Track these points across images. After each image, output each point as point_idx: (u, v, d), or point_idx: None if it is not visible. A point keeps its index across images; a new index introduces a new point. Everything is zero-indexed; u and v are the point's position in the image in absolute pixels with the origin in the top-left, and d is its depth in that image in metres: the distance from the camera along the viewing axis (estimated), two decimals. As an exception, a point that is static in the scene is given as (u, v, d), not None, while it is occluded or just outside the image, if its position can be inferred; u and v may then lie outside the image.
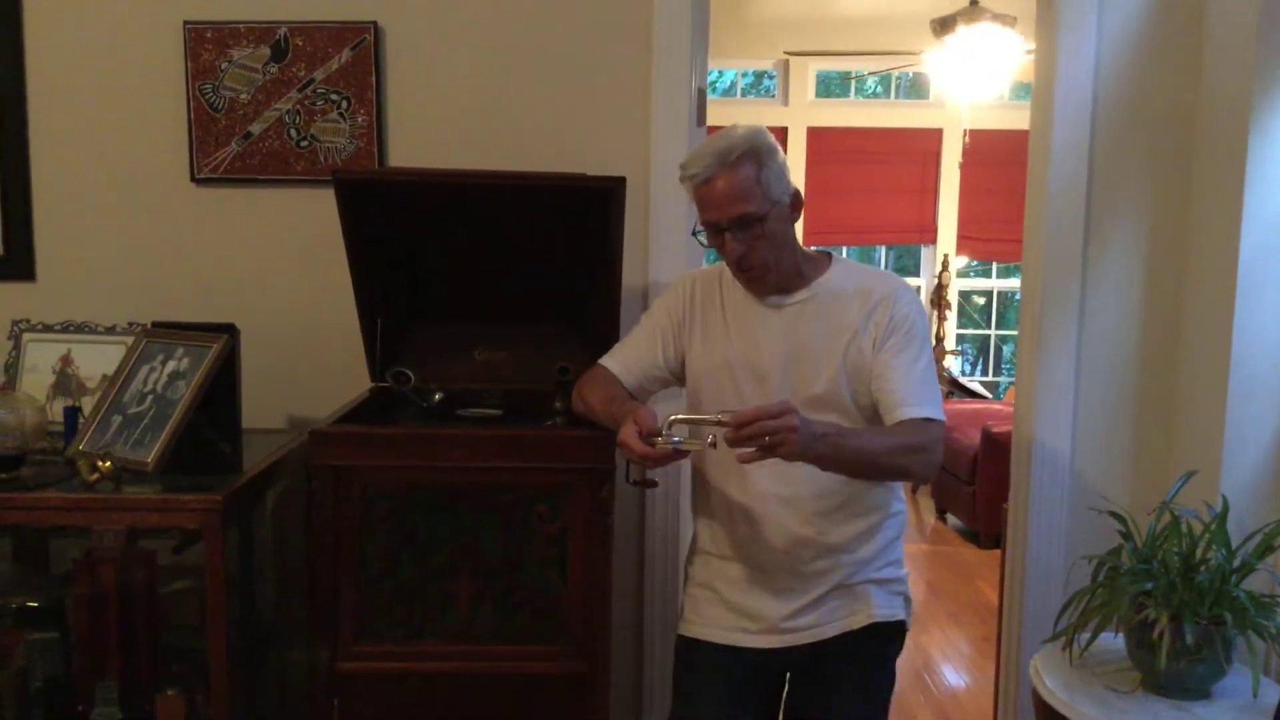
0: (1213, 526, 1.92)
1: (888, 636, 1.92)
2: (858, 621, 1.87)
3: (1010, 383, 8.10)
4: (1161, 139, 2.43)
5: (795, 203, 1.84)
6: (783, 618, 1.87)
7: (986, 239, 7.59)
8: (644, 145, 2.52)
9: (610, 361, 2.02)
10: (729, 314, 1.92)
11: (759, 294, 1.88)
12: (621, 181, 2.13)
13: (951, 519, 6.34)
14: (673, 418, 1.68)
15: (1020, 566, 2.54)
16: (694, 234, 1.88)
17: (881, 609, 1.88)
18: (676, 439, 1.65)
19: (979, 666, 4.09)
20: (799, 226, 1.92)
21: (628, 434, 1.69)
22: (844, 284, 1.87)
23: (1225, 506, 1.95)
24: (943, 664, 4.13)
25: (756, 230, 1.77)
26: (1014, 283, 8.19)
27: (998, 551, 5.36)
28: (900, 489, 1.96)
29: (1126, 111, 2.43)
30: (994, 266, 8.20)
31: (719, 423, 1.61)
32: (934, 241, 7.70)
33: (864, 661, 1.91)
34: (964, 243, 7.68)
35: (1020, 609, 2.53)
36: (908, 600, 1.95)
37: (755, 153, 1.76)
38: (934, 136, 7.59)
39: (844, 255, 1.96)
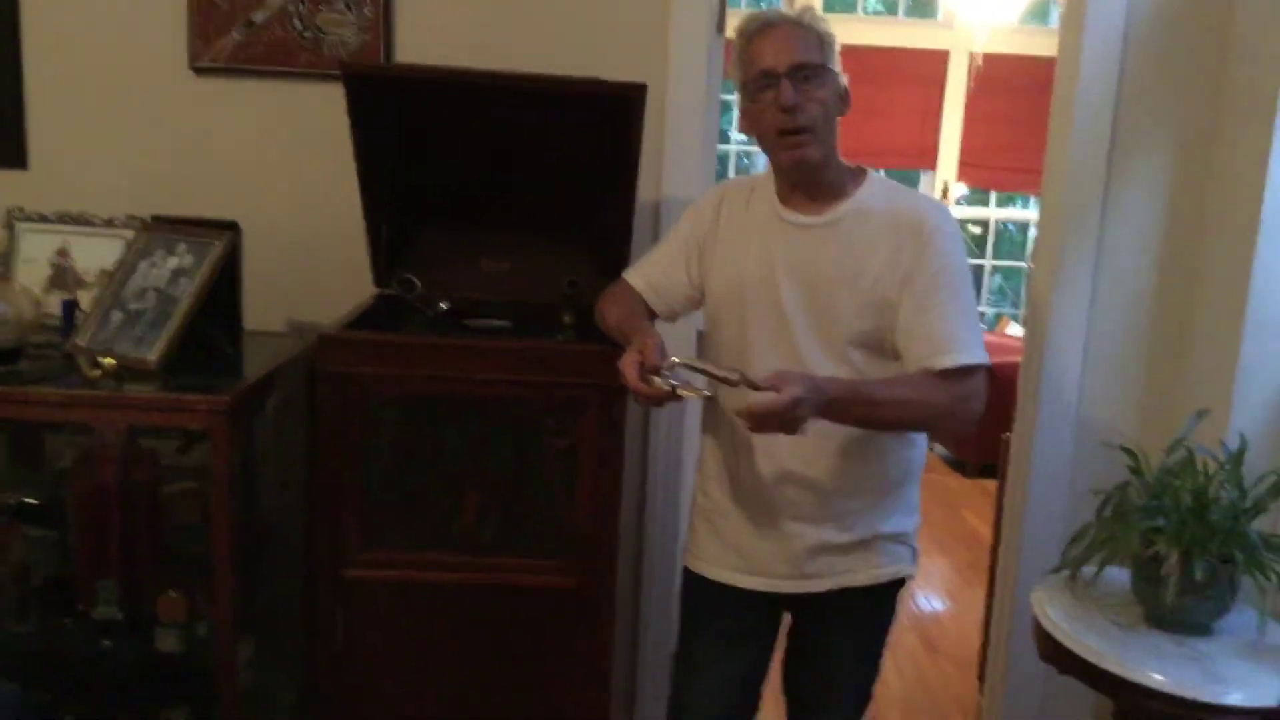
0: (1228, 465, 1.91)
1: (889, 590, 1.86)
2: (858, 580, 1.80)
3: (999, 313, 8.09)
4: (1193, 67, 2.35)
5: (846, 98, 1.73)
6: (775, 561, 1.80)
7: (990, 167, 7.47)
8: (661, 53, 2.43)
9: (634, 277, 1.93)
10: (752, 228, 1.79)
11: (796, 178, 1.74)
12: (642, 89, 2.04)
13: (938, 448, 6.39)
14: (675, 360, 1.60)
15: (1020, 498, 2.54)
16: (739, 99, 1.74)
17: (885, 567, 1.82)
18: (675, 382, 1.60)
19: (962, 592, 4.17)
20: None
21: (628, 363, 1.62)
22: (875, 204, 1.73)
23: (1243, 445, 1.94)
24: (926, 588, 4.20)
25: (816, 84, 1.66)
26: (1012, 212, 8.11)
27: (984, 481, 5.46)
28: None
29: (1159, 37, 2.34)
30: (992, 196, 8.11)
31: (725, 379, 1.55)
32: (934, 167, 7.59)
33: (864, 617, 1.86)
34: (965, 170, 7.57)
35: (1018, 540, 2.54)
36: (914, 551, 1.87)
37: (824, 30, 1.71)
38: (940, 58, 7.42)
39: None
